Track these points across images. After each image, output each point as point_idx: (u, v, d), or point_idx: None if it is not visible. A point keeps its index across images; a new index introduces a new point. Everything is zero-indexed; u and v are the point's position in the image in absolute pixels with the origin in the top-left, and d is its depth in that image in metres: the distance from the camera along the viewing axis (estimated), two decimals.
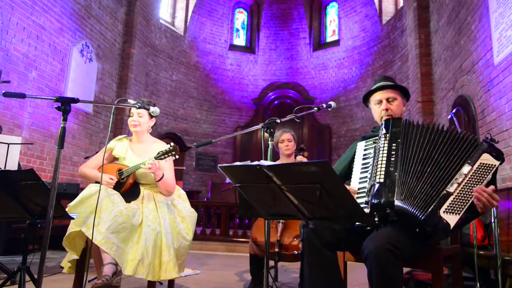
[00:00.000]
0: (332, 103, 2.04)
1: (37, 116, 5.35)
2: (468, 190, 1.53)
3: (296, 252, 2.65)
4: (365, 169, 1.77)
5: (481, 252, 2.90)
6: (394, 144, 1.69)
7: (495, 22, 3.95)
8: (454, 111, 3.17)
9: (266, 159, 1.68)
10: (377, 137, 1.79)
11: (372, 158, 1.75)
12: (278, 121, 1.84)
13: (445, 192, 1.54)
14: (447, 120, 4.98)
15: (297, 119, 1.91)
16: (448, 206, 1.51)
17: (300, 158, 3.26)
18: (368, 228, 1.63)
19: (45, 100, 5.47)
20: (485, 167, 1.57)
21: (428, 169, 1.60)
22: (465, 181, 1.54)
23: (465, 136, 1.63)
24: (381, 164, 1.67)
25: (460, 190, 1.53)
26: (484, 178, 1.55)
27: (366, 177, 1.73)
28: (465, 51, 4.85)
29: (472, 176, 1.56)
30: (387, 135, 1.72)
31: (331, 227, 1.69)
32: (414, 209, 1.54)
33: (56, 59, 5.72)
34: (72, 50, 6.06)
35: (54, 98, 1.63)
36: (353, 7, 10.33)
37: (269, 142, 1.81)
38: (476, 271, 2.74)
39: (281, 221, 2.82)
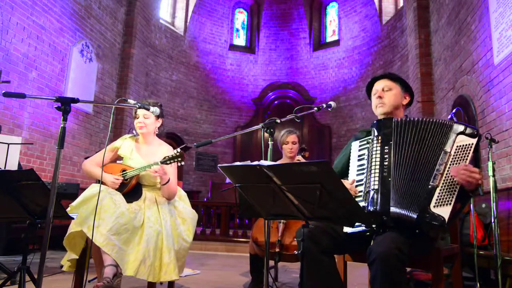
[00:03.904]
0: (332, 103, 2.04)
1: (37, 116, 5.35)
2: (453, 177, 1.51)
3: (296, 252, 2.65)
4: (361, 171, 1.75)
5: (481, 252, 2.90)
6: (386, 147, 1.67)
7: (495, 22, 3.95)
8: (454, 111, 3.16)
9: (266, 159, 1.68)
10: (370, 137, 1.77)
11: (366, 160, 1.73)
12: (278, 121, 1.84)
13: (430, 186, 1.54)
14: None
15: (297, 119, 1.91)
16: (437, 200, 1.51)
17: (299, 158, 3.26)
18: (367, 233, 1.62)
19: (45, 100, 5.47)
20: (463, 149, 1.55)
21: (417, 168, 1.60)
22: (447, 168, 1.54)
23: (439, 123, 1.62)
24: (375, 169, 1.65)
25: (444, 180, 1.53)
26: (465, 159, 1.53)
27: (362, 179, 1.71)
28: (465, 51, 4.85)
29: (453, 162, 1.54)
30: (379, 137, 1.71)
31: (328, 232, 1.68)
32: (408, 212, 1.53)
33: (56, 59, 5.72)
34: (72, 50, 6.06)
35: (54, 98, 1.63)
36: (353, 7, 10.33)
37: (269, 142, 1.81)
38: (476, 271, 2.74)
39: (282, 221, 2.82)
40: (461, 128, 1.59)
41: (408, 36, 7.15)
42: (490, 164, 2.76)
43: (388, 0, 9.47)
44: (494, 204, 2.72)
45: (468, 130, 1.57)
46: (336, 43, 10.65)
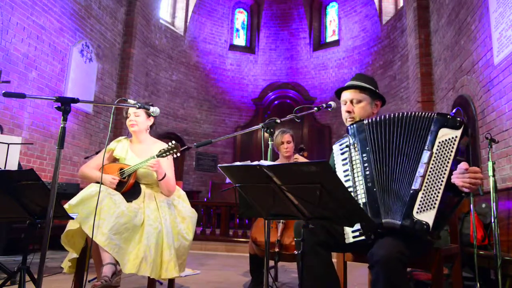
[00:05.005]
0: (332, 103, 2.03)
1: (37, 116, 5.35)
2: (436, 177, 1.41)
3: (296, 252, 2.65)
4: (347, 176, 1.69)
5: (481, 252, 2.90)
6: (364, 155, 1.60)
7: (495, 22, 3.95)
8: (454, 111, 3.16)
9: (266, 159, 1.68)
10: (347, 140, 1.70)
11: (349, 166, 1.67)
12: (278, 121, 1.84)
13: (412, 191, 1.45)
14: None
15: (297, 119, 1.90)
16: (419, 205, 1.42)
17: (297, 157, 3.26)
18: (369, 242, 1.58)
19: (45, 100, 5.47)
20: (447, 143, 1.42)
21: (401, 171, 1.51)
22: (429, 170, 1.43)
23: (417, 116, 1.49)
24: (359, 181, 1.60)
25: (426, 183, 1.43)
26: (449, 156, 1.40)
27: (349, 186, 1.66)
28: (465, 51, 4.85)
29: (435, 161, 1.43)
30: (355, 144, 1.64)
31: (328, 229, 1.67)
32: (393, 219, 1.49)
33: (56, 59, 5.72)
34: (72, 50, 6.06)
35: (54, 98, 1.63)
36: (353, 7, 10.33)
37: (269, 142, 1.81)
38: (476, 271, 2.74)
39: (281, 221, 2.82)
40: (443, 120, 1.45)
41: (408, 36, 7.15)
42: (490, 164, 2.75)
43: (388, 0, 9.47)
44: (494, 204, 2.72)
45: (450, 122, 1.44)
46: (336, 43, 10.65)
